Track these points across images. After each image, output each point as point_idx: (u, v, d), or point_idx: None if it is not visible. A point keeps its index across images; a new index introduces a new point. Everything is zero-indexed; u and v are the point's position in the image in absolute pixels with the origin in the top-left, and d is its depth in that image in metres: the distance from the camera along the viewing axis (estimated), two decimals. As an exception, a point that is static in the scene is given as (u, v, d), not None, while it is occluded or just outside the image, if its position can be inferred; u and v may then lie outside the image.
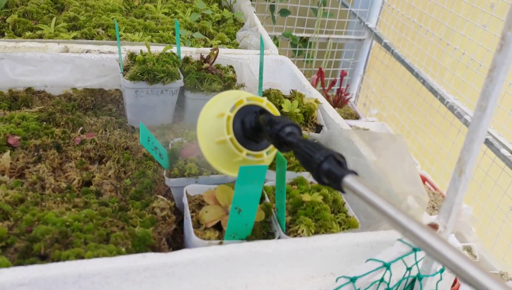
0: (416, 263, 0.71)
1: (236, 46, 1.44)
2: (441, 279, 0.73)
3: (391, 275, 0.68)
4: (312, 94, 1.15)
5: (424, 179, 2.32)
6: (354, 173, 0.55)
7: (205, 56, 1.18)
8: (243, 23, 1.55)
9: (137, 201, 0.88)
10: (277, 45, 2.79)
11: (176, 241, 0.88)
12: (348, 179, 0.54)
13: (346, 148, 0.98)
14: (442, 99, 2.19)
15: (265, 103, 0.75)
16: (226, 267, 0.69)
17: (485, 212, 2.08)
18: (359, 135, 0.94)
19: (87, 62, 1.17)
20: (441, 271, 0.72)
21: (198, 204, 0.83)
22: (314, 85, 2.77)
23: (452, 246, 0.44)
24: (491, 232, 2.04)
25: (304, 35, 2.87)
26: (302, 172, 0.91)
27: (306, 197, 0.83)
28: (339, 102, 2.86)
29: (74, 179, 0.93)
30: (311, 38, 2.85)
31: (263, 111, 0.74)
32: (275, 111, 0.75)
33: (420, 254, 0.70)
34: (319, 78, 2.79)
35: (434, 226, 0.68)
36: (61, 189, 0.90)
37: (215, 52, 1.16)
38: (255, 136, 0.73)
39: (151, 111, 1.13)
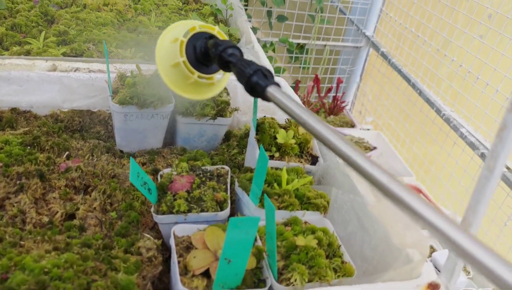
0: (415, 322, 0.67)
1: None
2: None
3: (388, 336, 0.65)
4: (309, 120, 1.11)
5: (418, 191, 2.29)
6: (277, 84, 0.61)
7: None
8: (239, 39, 1.50)
9: (123, 239, 0.83)
10: (273, 51, 2.75)
11: (163, 282, 0.84)
12: (271, 89, 0.61)
13: (343, 183, 0.94)
14: (438, 111, 2.16)
15: (216, 31, 0.79)
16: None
17: (480, 228, 2.05)
18: (357, 171, 0.90)
19: (76, 82, 1.12)
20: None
21: (186, 246, 0.79)
22: (310, 92, 2.73)
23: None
24: (486, 248, 2.02)
25: (301, 41, 2.83)
26: (296, 211, 0.87)
27: (300, 241, 0.79)
28: (334, 109, 2.83)
29: (57, 212, 0.88)
30: (308, 45, 2.81)
31: (213, 37, 0.79)
32: (224, 38, 0.80)
33: (419, 313, 0.67)
34: (315, 85, 2.75)
35: (435, 286, 0.64)
36: (43, 223, 0.85)
37: (208, 74, 1.11)
38: (206, 60, 0.78)
39: (141, 135, 1.09)
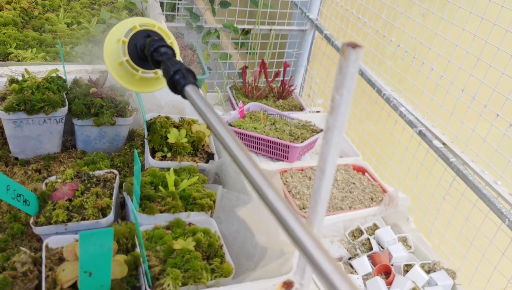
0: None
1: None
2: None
3: (247, 337, 0.65)
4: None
5: (364, 170, 2.32)
6: (196, 85, 0.67)
7: (94, 78, 1.10)
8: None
9: (0, 254, 0.81)
10: (218, 37, 2.71)
11: (45, 294, 0.83)
12: (188, 88, 0.66)
13: (235, 180, 0.94)
14: (379, 91, 2.19)
15: (156, 27, 0.86)
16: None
17: (421, 202, 2.10)
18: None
19: (-36, 89, 1.07)
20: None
21: (59, 258, 0.77)
22: (257, 77, 2.71)
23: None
24: (427, 221, 2.07)
25: (246, 26, 2.79)
26: (180, 213, 0.86)
27: (178, 245, 0.78)
28: (283, 93, 2.82)
29: None
30: (254, 30, 2.78)
31: (153, 35, 0.86)
32: (166, 34, 0.87)
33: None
34: (262, 70, 2.73)
35: (289, 284, 0.64)
36: None
37: (104, 74, 1.08)
38: (147, 57, 0.83)
39: (35, 140, 1.05)
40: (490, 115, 1.64)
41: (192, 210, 0.86)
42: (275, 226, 0.74)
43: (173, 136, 0.96)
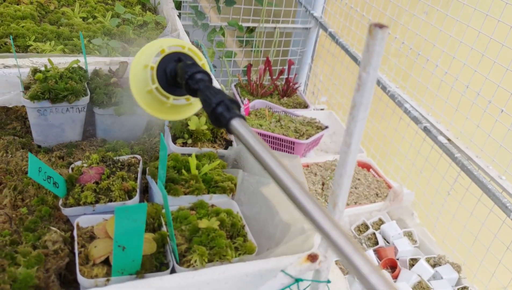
0: (302, 291, 0.70)
1: (156, 52, 1.39)
2: (328, 304, 0.73)
3: (274, 307, 0.68)
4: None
5: (368, 167, 2.36)
6: (242, 117, 0.60)
7: (115, 69, 1.14)
8: (166, 27, 1.50)
9: (31, 234, 0.84)
10: (223, 35, 2.74)
11: (74, 273, 0.85)
12: (234, 122, 0.60)
13: (253, 164, 0.97)
14: (384, 88, 2.21)
15: (186, 48, 0.78)
16: (107, 309, 0.67)
17: (425, 197, 2.13)
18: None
19: (-12, 79, 1.11)
20: (328, 297, 0.72)
21: (90, 237, 0.80)
22: (262, 75, 2.75)
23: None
24: (431, 216, 2.10)
25: (251, 24, 2.83)
26: (203, 195, 0.89)
27: (203, 224, 0.81)
28: (288, 91, 2.85)
29: (-34, 211, 0.88)
30: (258, 28, 2.81)
31: (184, 58, 0.77)
32: (197, 55, 0.79)
33: (304, 284, 0.70)
34: (267, 68, 2.77)
35: (314, 257, 0.67)
36: (-50, 223, 0.85)
37: (124, 64, 1.12)
38: (178, 83, 0.76)
39: (58, 129, 1.09)
40: (494, 110, 1.67)
41: (214, 193, 0.90)
42: (287, 211, 0.78)
43: (193, 123, 0.99)
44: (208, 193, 0.90)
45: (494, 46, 1.66)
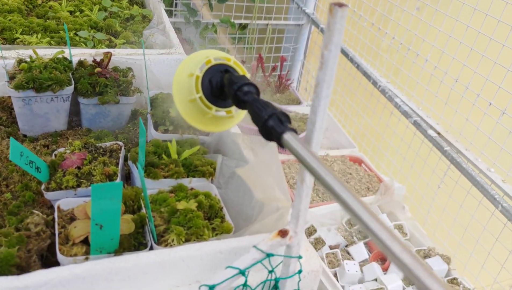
0: (273, 268, 0.72)
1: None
2: (300, 279, 0.75)
3: (246, 280, 0.70)
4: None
5: (360, 161, 2.38)
6: (294, 130, 0.60)
7: (99, 60, 1.16)
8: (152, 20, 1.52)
9: (14, 217, 0.86)
10: (215, 32, 2.76)
11: (55, 255, 0.87)
12: (286, 136, 0.59)
13: (234, 150, 0.99)
14: (374, 83, 2.23)
15: (232, 61, 0.78)
16: (85, 285, 0.69)
17: (416, 191, 2.15)
18: (242, 138, 0.95)
19: (-26, 70, 1.13)
20: (299, 272, 0.74)
21: (70, 218, 0.82)
22: (254, 72, 2.77)
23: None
24: (422, 209, 2.12)
25: (243, 21, 2.84)
26: (183, 179, 0.91)
27: (181, 205, 0.83)
28: (280, 87, 2.87)
29: (-50, 197, 0.90)
30: (251, 24, 2.83)
31: (229, 70, 0.77)
32: (242, 69, 0.78)
33: (276, 259, 0.72)
34: (259, 64, 2.79)
35: (284, 232, 0.69)
36: None
37: (108, 55, 1.14)
38: (223, 94, 0.76)
39: (43, 118, 1.10)
40: (483, 104, 1.69)
41: (194, 177, 0.92)
42: (271, 183, 0.79)
43: (174, 110, 1.01)
44: (188, 177, 0.92)
45: (482, 40, 1.67)
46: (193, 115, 0.78)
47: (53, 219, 0.88)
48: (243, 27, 2.86)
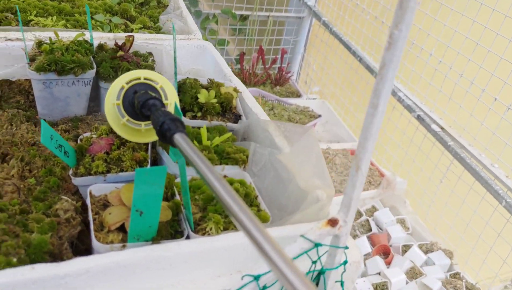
0: (319, 258, 0.71)
1: (158, 30, 1.38)
2: (344, 270, 0.73)
3: (293, 272, 0.68)
4: (233, 82, 1.13)
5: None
6: (184, 133, 0.69)
7: (120, 43, 1.12)
8: (167, 5, 1.49)
9: (41, 203, 0.83)
10: (216, 23, 2.73)
11: (85, 243, 0.85)
12: (177, 136, 0.68)
13: (263, 138, 0.97)
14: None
15: (142, 78, 0.89)
16: (125, 273, 0.66)
17: (418, 185, 2.16)
18: (275, 125, 0.93)
19: (-10, 51, 1.08)
20: (344, 263, 0.73)
21: (103, 204, 0.79)
22: (255, 64, 2.75)
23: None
24: (424, 204, 2.13)
25: (244, 12, 2.82)
26: (216, 166, 0.89)
27: (217, 193, 0.81)
28: (280, 80, 2.86)
29: (-28, 181, 0.86)
30: (252, 16, 2.81)
31: (139, 89, 0.89)
32: (153, 80, 0.89)
33: (323, 249, 0.71)
34: (260, 57, 2.76)
35: (334, 221, 0.68)
36: (-44, 192, 0.84)
37: (130, 39, 1.10)
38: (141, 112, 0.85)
39: (63, 102, 1.07)
40: (487, 99, 1.70)
41: (227, 164, 0.90)
42: (312, 172, 0.78)
43: (203, 96, 0.99)
44: (220, 164, 0.89)
45: (488, 35, 1.68)
46: (130, 133, 0.89)
47: (82, 205, 0.86)
48: (244, 18, 2.83)
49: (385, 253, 1.84)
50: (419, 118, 1.98)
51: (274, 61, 2.79)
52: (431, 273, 1.68)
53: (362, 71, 2.44)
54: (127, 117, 0.87)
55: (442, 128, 1.90)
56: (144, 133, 0.89)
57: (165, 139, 0.71)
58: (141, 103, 0.81)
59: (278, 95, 2.71)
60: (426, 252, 1.81)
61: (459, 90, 1.83)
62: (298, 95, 2.85)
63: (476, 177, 1.69)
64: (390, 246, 1.86)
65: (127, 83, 0.88)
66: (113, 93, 0.88)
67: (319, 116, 2.57)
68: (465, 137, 1.81)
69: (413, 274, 1.70)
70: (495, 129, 1.67)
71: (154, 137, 0.90)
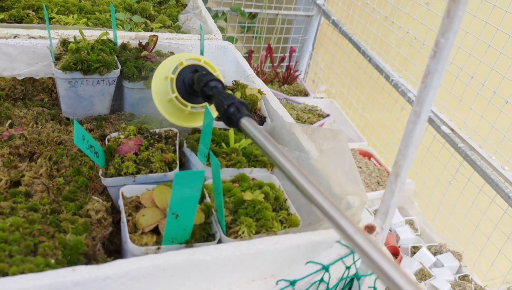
0: (354, 263, 0.71)
1: (178, 29, 1.38)
2: (377, 277, 0.74)
3: (330, 277, 0.69)
4: (256, 84, 1.13)
5: (370, 155, 2.38)
6: (251, 117, 0.69)
7: (143, 43, 1.12)
8: (186, 4, 1.48)
9: (71, 203, 0.83)
10: (225, 20, 2.73)
11: (114, 243, 0.85)
12: (244, 120, 0.68)
13: (289, 141, 0.97)
14: (387, 77, 2.22)
15: (202, 61, 0.88)
16: (164, 276, 0.67)
17: (426, 187, 2.16)
18: (302, 128, 0.93)
19: (15, 49, 1.08)
20: (378, 269, 0.73)
21: (135, 206, 0.79)
22: (263, 62, 2.74)
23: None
24: (432, 205, 2.13)
25: (253, 10, 2.81)
26: (244, 168, 0.89)
27: (248, 196, 0.81)
28: (288, 78, 2.86)
29: (1, 180, 0.86)
30: (260, 14, 2.80)
31: (200, 69, 0.88)
32: (212, 67, 0.89)
33: (356, 256, 0.71)
34: (268, 55, 2.76)
35: (371, 228, 0.68)
36: (-13, 191, 0.84)
37: (154, 39, 1.10)
38: (195, 92, 0.86)
39: (87, 102, 1.07)
40: (499, 101, 1.70)
41: (255, 167, 0.90)
42: (344, 177, 0.78)
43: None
44: (249, 167, 0.90)
45: (500, 36, 1.67)
46: (172, 113, 0.88)
47: (112, 205, 0.86)
48: (253, 16, 2.83)
49: (394, 254, 1.84)
50: (428, 119, 1.98)
51: (282, 60, 2.79)
52: (440, 275, 1.69)
53: (371, 71, 2.44)
54: (176, 93, 0.86)
55: (452, 129, 1.90)
56: (186, 116, 0.88)
57: (231, 122, 0.70)
58: (204, 82, 0.79)
59: (286, 94, 2.71)
60: (434, 254, 1.81)
61: (469, 92, 1.83)
62: (305, 94, 2.85)
63: (486, 180, 1.69)
64: (399, 247, 1.87)
65: (186, 61, 0.87)
66: (167, 67, 0.87)
67: (328, 115, 2.57)
68: (476, 139, 1.81)
69: (422, 275, 1.70)
70: (506, 131, 1.67)
71: (194, 123, 0.90)
